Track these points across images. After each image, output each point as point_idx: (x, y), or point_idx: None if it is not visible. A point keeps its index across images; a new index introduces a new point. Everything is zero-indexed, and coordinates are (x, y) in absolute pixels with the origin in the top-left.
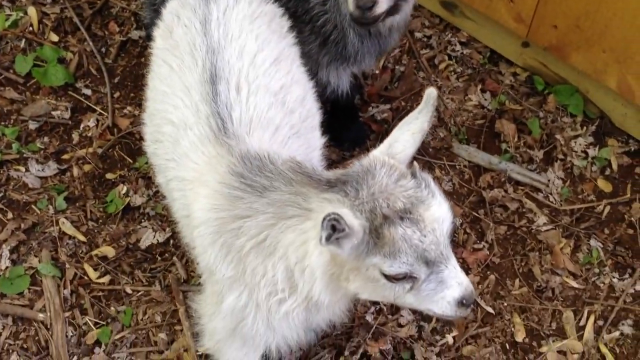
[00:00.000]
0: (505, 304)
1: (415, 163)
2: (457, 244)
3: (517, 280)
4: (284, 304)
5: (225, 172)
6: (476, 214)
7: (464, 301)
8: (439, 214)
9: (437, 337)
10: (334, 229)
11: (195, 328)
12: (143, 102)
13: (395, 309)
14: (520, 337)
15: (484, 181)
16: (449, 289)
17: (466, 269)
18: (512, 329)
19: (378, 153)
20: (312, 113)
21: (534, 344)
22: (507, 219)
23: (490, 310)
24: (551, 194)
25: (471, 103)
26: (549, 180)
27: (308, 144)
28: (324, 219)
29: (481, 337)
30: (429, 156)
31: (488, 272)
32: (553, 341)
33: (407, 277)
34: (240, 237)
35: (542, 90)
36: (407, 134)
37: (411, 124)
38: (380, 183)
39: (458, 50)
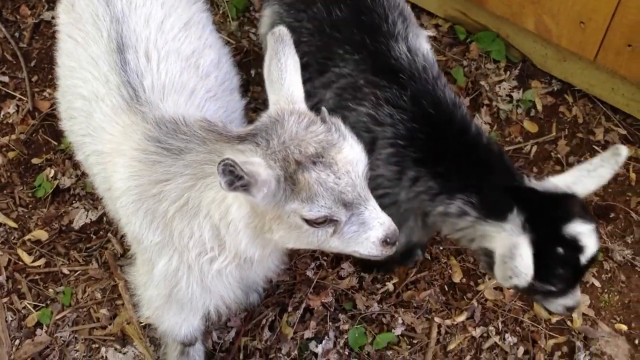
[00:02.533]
0: (442, 249)
1: (323, 108)
2: None
3: None
4: (215, 262)
5: (141, 138)
6: None
7: (388, 240)
8: (351, 156)
9: (378, 286)
10: (235, 175)
11: (134, 299)
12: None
13: (335, 263)
14: (457, 278)
15: None
16: (371, 230)
17: None
18: (450, 271)
19: (284, 103)
20: (229, 76)
21: (471, 283)
22: None
23: (427, 256)
24: None
25: None
26: None
27: (227, 106)
28: (218, 164)
29: (420, 281)
30: None
31: None
32: (489, 279)
33: (327, 221)
34: (163, 202)
35: (464, 40)
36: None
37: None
38: (290, 131)
39: None
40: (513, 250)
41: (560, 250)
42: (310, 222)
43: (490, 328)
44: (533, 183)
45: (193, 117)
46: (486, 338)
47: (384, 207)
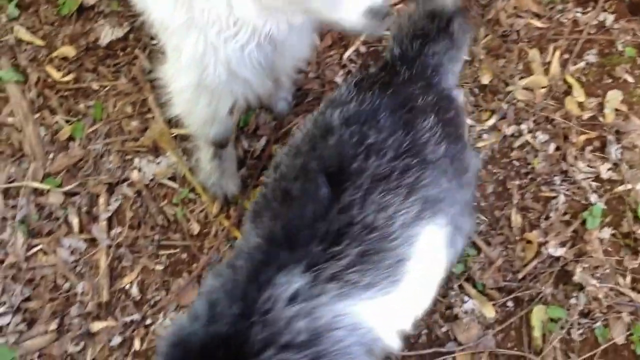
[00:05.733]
0: (472, 51)
1: None
2: None
3: (482, 29)
4: (235, 39)
5: None
6: None
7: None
8: None
9: None
10: None
11: (164, 99)
12: None
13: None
14: (486, 80)
15: None
16: None
17: None
18: (479, 73)
19: None
20: None
21: (501, 84)
22: None
23: None
24: None
25: None
26: None
27: None
28: None
29: None
30: None
31: None
32: (520, 79)
33: None
34: None
35: None
36: None
37: None
38: None
39: None
40: None
41: None
42: None
43: (522, 127)
44: None
45: None
46: (517, 137)
47: None
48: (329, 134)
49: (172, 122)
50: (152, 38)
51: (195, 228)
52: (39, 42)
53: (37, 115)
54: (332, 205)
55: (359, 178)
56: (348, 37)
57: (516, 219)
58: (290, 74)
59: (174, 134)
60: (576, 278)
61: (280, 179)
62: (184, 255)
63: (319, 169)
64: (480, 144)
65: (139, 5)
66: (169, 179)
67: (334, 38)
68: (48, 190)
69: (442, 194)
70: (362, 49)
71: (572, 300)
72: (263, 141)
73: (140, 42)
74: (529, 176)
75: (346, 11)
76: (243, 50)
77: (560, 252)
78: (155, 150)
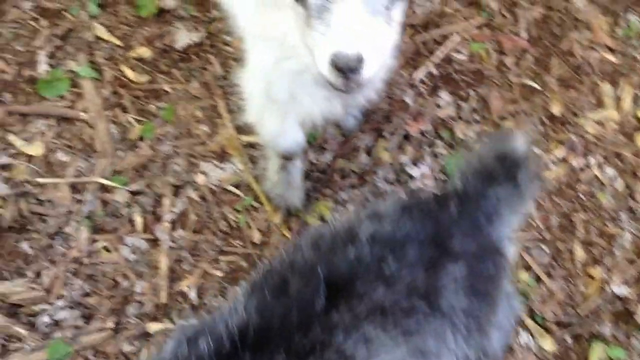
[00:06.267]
0: (543, 81)
1: None
2: (494, 27)
3: (554, 59)
4: (290, 62)
5: None
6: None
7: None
8: None
9: (476, 117)
10: None
11: (238, 105)
12: None
13: (432, 90)
14: (557, 110)
15: None
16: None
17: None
18: (550, 103)
19: None
20: None
21: (571, 116)
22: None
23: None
24: None
25: None
26: None
27: None
28: None
29: (520, 113)
30: None
31: (526, 55)
32: (590, 112)
33: None
34: None
35: None
36: None
37: None
38: None
39: None
40: None
41: None
42: None
43: (591, 160)
44: None
45: None
46: (584, 170)
47: None
48: (351, 244)
49: (241, 129)
50: (226, 44)
51: (257, 236)
52: (117, 42)
53: (109, 113)
54: (318, 320)
55: (357, 302)
56: (420, 58)
57: (579, 253)
58: (361, 101)
59: (243, 141)
60: (639, 319)
61: (287, 263)
62: (244, 263)
63: (324, 276)
64: (547, 174)
65: (225, 8)
66: (234, 185)
67: (406, 58)
68: (115, 188)
69: (440, 349)
70: (434, 71)
71: (634, 341)
72: (329, 155)
73: (214, 47)
74: (595, 211)
75: (318, 59)
76: (299, 75)
77: (623, 290)
78: (222, 156)
